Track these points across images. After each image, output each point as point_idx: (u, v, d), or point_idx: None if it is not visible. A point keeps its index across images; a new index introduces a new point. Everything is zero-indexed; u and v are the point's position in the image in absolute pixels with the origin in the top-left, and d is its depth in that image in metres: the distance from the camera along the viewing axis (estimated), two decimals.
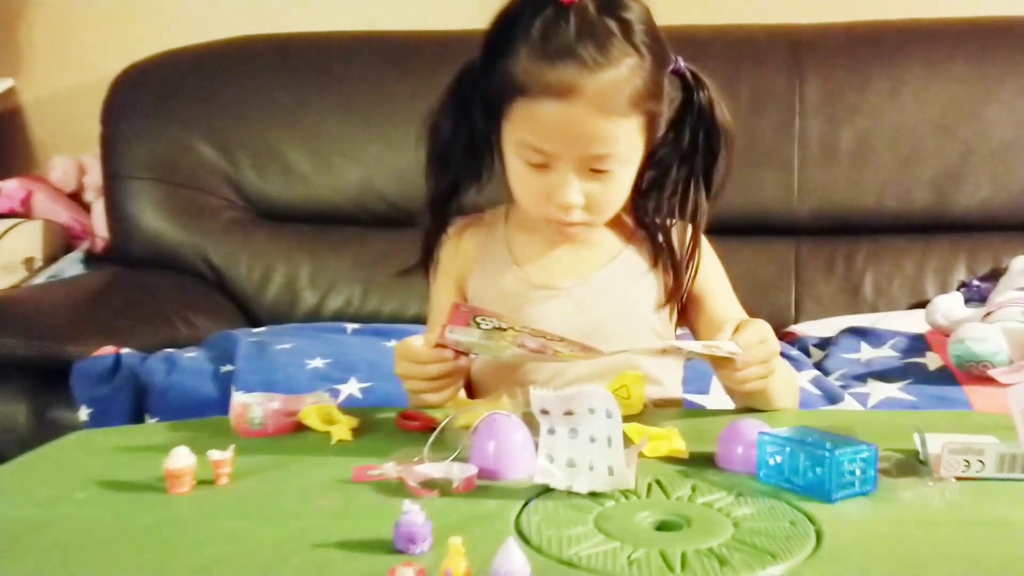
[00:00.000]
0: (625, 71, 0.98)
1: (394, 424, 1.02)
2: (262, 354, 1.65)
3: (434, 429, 0.93)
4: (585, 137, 0.98)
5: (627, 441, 0.83)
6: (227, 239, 2.14)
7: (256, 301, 2.12)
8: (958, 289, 1.81)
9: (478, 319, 0.93)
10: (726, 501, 0.79)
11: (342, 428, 0.98)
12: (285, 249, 2.13)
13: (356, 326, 1.81)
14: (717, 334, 0.97)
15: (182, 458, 0.84)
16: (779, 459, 0.82)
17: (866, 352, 1.62)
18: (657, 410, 1.08)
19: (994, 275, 1.79)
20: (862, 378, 1.50)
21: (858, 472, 0.79)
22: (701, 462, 0.88)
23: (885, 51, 1.95)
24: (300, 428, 1.01)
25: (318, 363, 1.62)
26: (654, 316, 1.11)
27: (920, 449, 0.86)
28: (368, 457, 0.90)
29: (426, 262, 1.16)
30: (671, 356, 0.96)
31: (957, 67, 1.90)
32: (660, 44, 1.02)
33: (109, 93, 2.20)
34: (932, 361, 1.52)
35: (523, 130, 1.00)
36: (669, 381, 1.16)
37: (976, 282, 1.78)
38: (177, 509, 0.80)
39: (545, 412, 0.82)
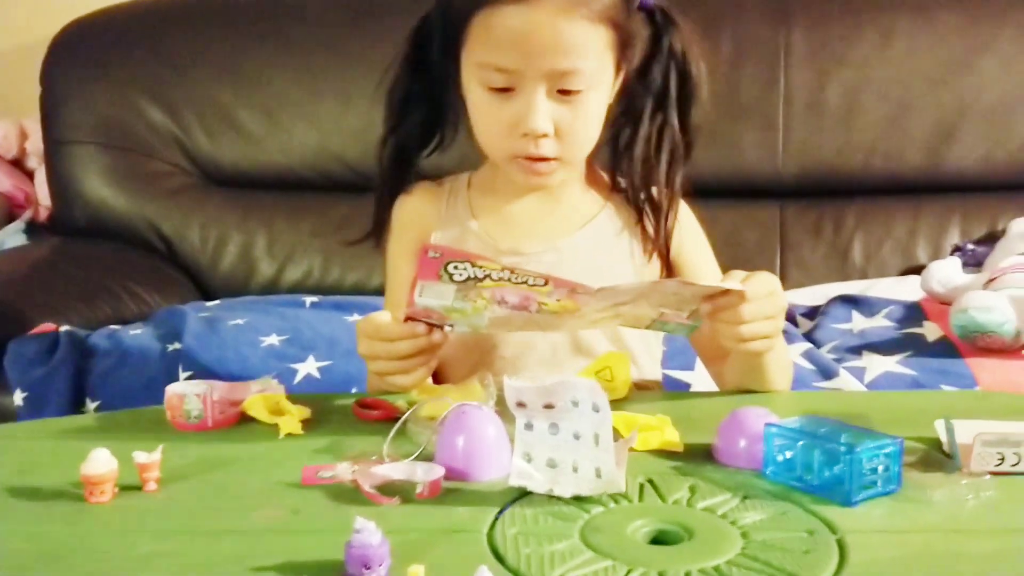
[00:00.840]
0: None
1: (351, 413, 0.91)
2: (212, 331, 1.54)
3: (396, 420, 0.82)
4: (550, 45, 0.90)
5: (615, 435, 0.72)
6: (177, 207, 2.01)
7: (209, 273, 2.00)
8: (952, 254, 1.72)
9: (450, 267, 0.81)
10: (731, 505, 0.68)
11: (291, 420, 0.87)
12: (239, 217, 2.00)
13: (315, 299, 1.69)
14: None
15: (101, 462, 0.73)
16: (789, 454, 0.72)
17: (858, 322, 1.53)
18: (641, 393, 0.98)
19: (990, 238, 1.71)
20: (856, 350, 1.41)
21: (880, 469, 0.69)
22: (698, 456, 0.78)
23: (873, 1, 1.83)
24: (245, 420, 0.89)
25: (273, 340, 1.51)
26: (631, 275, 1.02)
27: (945, 440, 0.76)
28: (320, 455, 0.80)
29: (379, 230, 1.05)
30: (668, 311, 0.85)
31: (950, 16, 1.80)
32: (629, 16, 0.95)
33: (48, 53, 2.05)
34: (930, 331, 1.44)
35: (483, 47, 0.92)
36: (647, 360, 1.06)
37: (971, 245, 1.70)
38: (94, 522, 0.69)
39: (522, 405, 0.71)
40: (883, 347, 1.40)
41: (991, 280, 1.43)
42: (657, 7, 0.98)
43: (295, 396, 0.92)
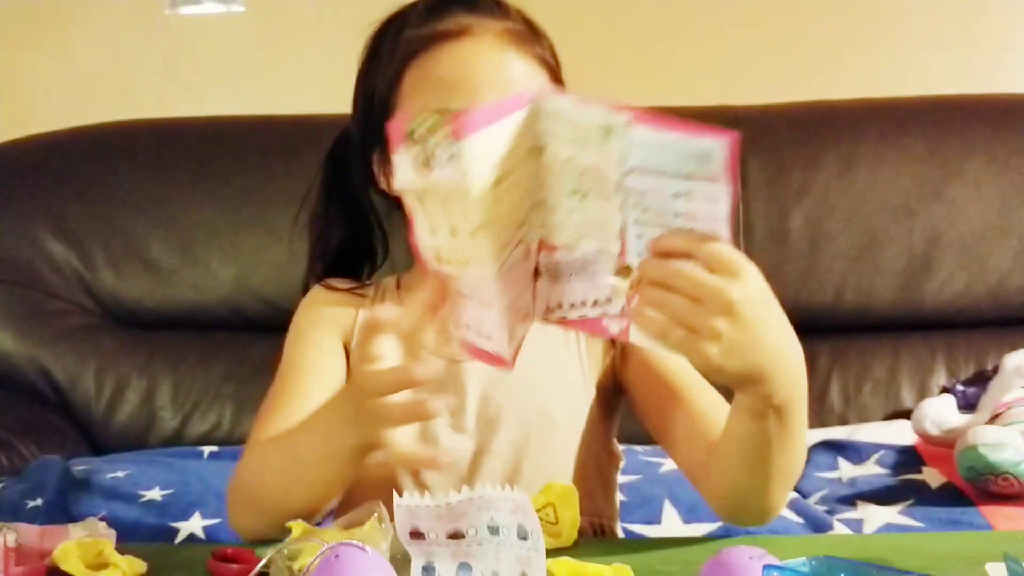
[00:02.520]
0: (526, 30, 0.86)
1: (202, 569, 0.67)
2: (84, 485, 1.31)
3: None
4: (493, 79, 0.82)
5: None
6: (71, 349, 1.78)
7: (103, 424, 1.74)
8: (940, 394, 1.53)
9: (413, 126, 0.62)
10: None
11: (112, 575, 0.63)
12: (142, 360, 1.77)
13: (215, 448, 1.46)
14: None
15: None
16: None
17: (846, 469, 1.33)
18: (596, 541, 0.76)
19: (980, 378, 1.53)
20: (848, 500, 1.21)
21: None
22: None
23: (833, 129, 1.72)
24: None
25: (155, 494, 1.29)
26: (578, 373, 0.89)
27: None
28: None
29: None
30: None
31: (914, 142, 1.69)
32: (559, 65, 0.90)
33: None
34: (932, 477, 1.24)
35: (420, 97, 0.83)
36: (600, 494, 0.88)
37: (960, 387, 1.52)
38: None
39: (417, 535, 0.49)
40: (879, 496, 1.20)
41: (995, 416, 1.25)
42: None
43: (131, 547, 0.69)
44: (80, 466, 1.41)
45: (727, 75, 1.94)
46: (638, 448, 1.36)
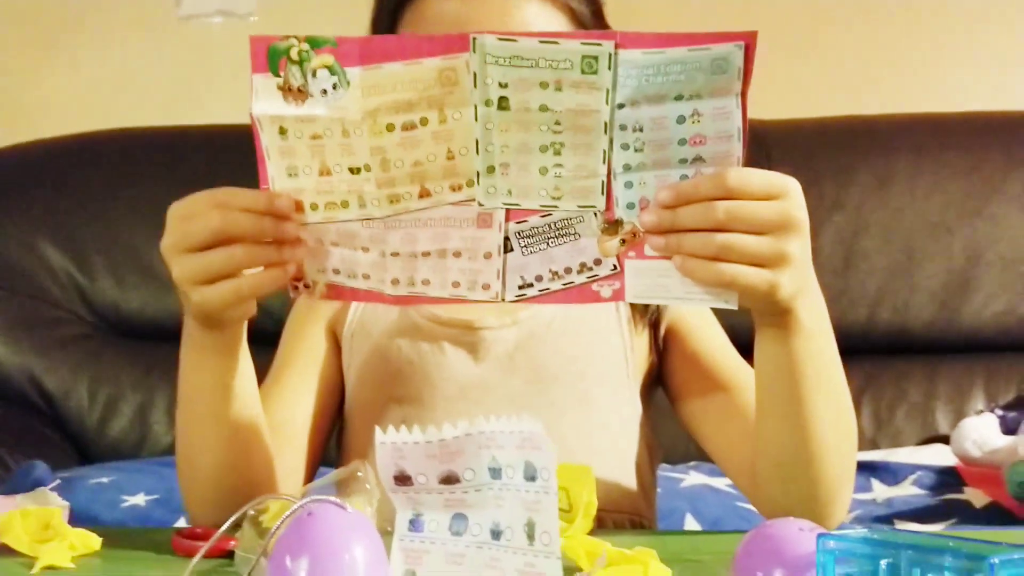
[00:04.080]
0: None
1: (167, 548, 0.59)
2: (65, 490, 1.22)
3: (226, 554, 0.51)
4: (494, 21, 0.70)
5: (574, 568, 0.42)
6: (65, 359, 1.71)
7: (95, 437, 1.68)
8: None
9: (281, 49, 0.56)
10: None
11: (58, 549, 0.55)
12: (139, 373, 1.70)
13: None
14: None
15: None
16: None
17: (880, 491, 1.24)
18: (615, 531, 0.68)
19: (1021, 403, 1.44)
20: (885, 520, 1.12)
21: None
22: None
23: (867, 144, 1.66)
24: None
25: (139, 500, 1.23)
26: (621, 361, 0.81)
27: None
28: None
29: None
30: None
31: (953, 156, 1.62)
32: (594, 5, 0.80)
33: None
34: (975, 497, 1.14)
35: None
36: (622, 470, 0.80)
37: (1000, 411, 1.42)
38: None
39: (404, 480, 0.41)
40: (919, 515, 1.11)
41: None
42: None
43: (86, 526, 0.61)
44: (64, 472, 1.34)
45: (754, 89, 1.88)
46: None
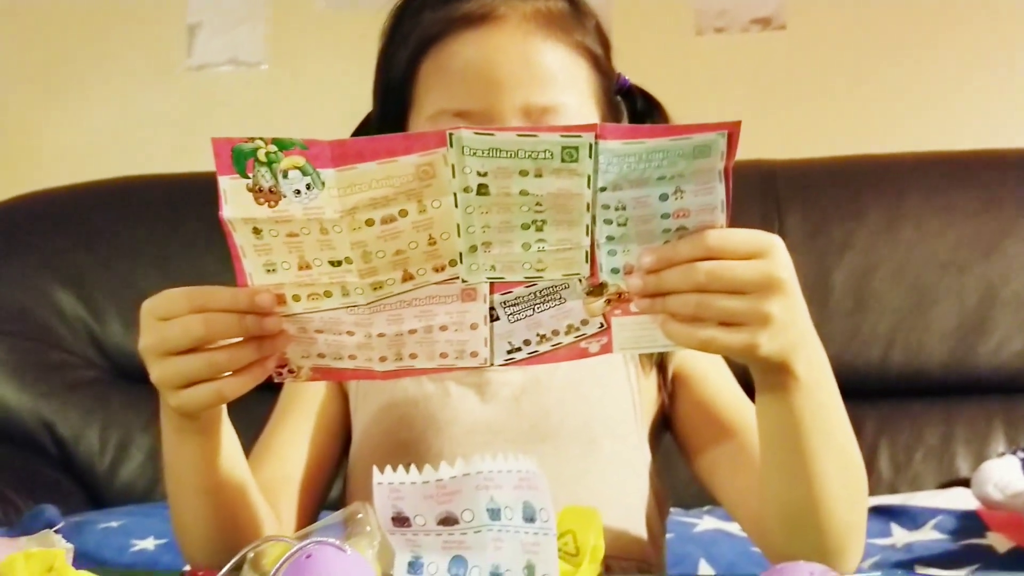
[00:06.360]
0: (566, 9, 0.76)
1: None
2: (73, 534, 1.22)
3: None
4: (521, 74, 0.72)
5: None
6: (77, 404, 1.72)
7: (106, 481, 1.68)
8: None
9: (247, 150, 0.56)
10: None
11: None
12: (148, 416, 1.68)
13: None
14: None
15: None
16: None
17: (900, 535, 1.21)
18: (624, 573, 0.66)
19: None
20: (906, 566, 1.09)
21: None
22: None
23: (877, 182, 1.65)
24: None
25: (148, 544, 1.23)
26: (628, 406, 0.81)
27: None
28: None
29: None
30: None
31: (964, 195, 1.61)
32: (608, 50, 0.80)
33: None
34: (998, 543, 1.12)
35: (437, 93, 0.74)
36: (631, 514, 0.80)
37: (1022, 453, 1.40)
38: None
39: (401, 521, 0.40)
40: (941, 561, 1.08)
41: None
42: (636, 88, 0.84)
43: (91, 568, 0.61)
44: (74, 517, 1.34)
45: (763, 129, 1.88)
46: (671, 509, 1.27)
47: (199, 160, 2.05)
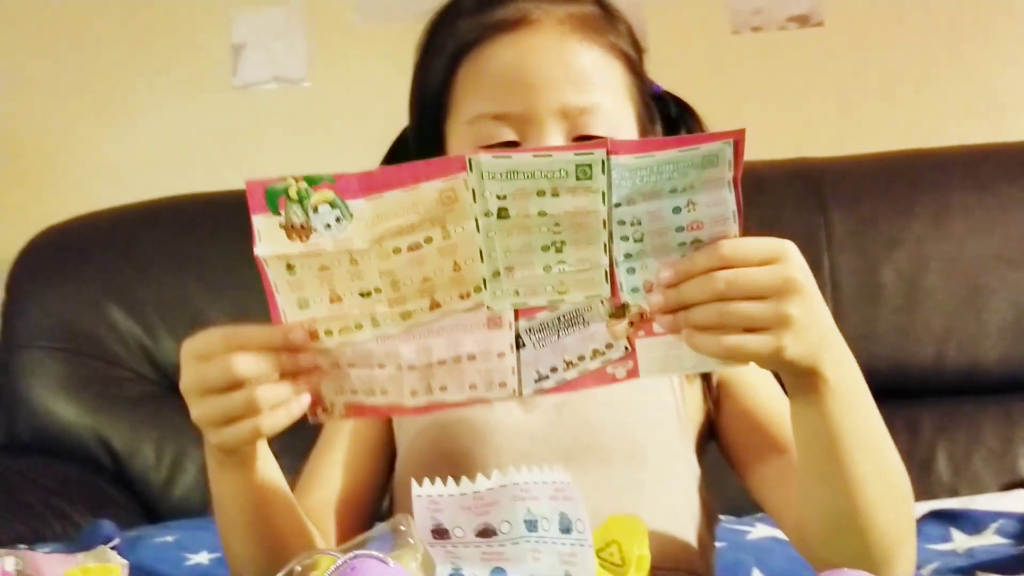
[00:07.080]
0: (599, 13, 0.78)
1: None
2: (129, 549, 1.25)
3: None
4: (558, 75, 0.73)
5: None
6: (132, 418, 1.75)
7: (161, 495, 1.71)
8: None
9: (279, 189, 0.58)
10: None
11: None
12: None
13: None
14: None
15: None
16: None
17: (961, 540, 1.19)
18: None
19: None
20: (967, 572, 1.07)
21: None
22: None
23: (921, 177, 1.61)
24: None
25: (202, 558, 1.24)
26: (673, 415, 0.80)
27: None
28: None
29: None
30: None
31: (1012, 189, 1.57)
32: (640, 53, 0.81)
33: (15, 262, 1.90)
34: None
35: (475, 96, 0.76)
36: (682, 523, 0.79)
37: None
38: None
39: (441, 533, 0.40)
40: (1003, 567, 1.05)
41: None
42: (668, 94, 0.85)
43: None
44: (130, 531, 1.36)
45: (807, 128, 1.86)
46: (722, 517, 1.25)
47: (245, 177, 2.09)
